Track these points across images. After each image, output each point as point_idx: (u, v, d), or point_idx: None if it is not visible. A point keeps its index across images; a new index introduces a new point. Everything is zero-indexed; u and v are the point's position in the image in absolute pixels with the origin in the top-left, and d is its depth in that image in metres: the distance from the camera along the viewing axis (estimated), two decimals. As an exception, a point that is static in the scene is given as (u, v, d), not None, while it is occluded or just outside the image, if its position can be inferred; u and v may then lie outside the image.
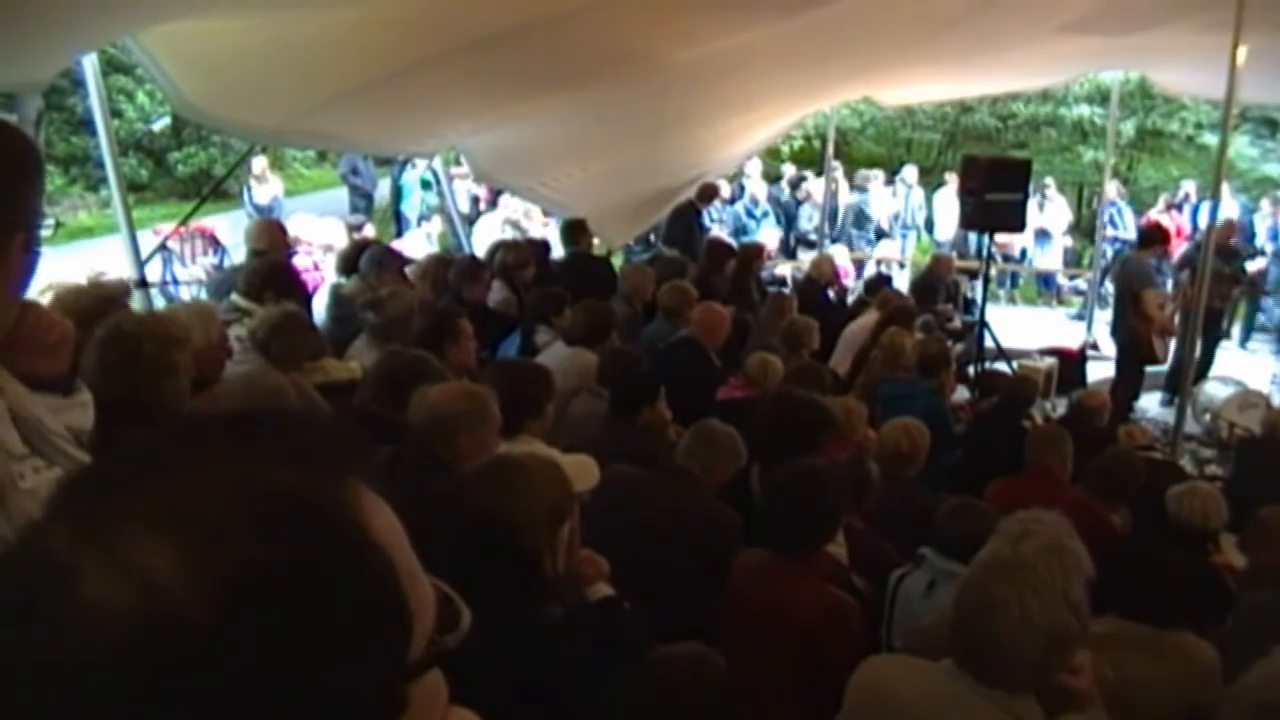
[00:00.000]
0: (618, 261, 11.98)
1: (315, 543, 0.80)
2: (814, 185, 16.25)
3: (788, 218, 16.25)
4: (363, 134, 9.48)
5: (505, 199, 14.55)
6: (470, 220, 14.52)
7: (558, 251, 10.22)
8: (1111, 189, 16.84)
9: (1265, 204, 16.61)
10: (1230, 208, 16.06)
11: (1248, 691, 1.82)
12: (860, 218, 17.04)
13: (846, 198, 17.19)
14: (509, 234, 13.07)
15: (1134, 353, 10.58)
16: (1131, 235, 16.44)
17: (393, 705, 0.84)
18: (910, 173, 17.60)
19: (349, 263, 7.84)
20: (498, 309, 8.05)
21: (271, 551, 0.77)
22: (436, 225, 14.64)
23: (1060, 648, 2.40)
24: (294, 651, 0.76)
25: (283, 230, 7.93)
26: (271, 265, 6.61)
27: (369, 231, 13.75)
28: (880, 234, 17.07)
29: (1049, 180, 17.39)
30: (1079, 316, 15.84)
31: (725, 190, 14.92)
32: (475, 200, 16.06)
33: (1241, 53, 7.56)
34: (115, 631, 0.73)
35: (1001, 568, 2.41)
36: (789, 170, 17.62)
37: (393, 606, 0.84)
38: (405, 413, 4.16)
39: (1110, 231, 16.52)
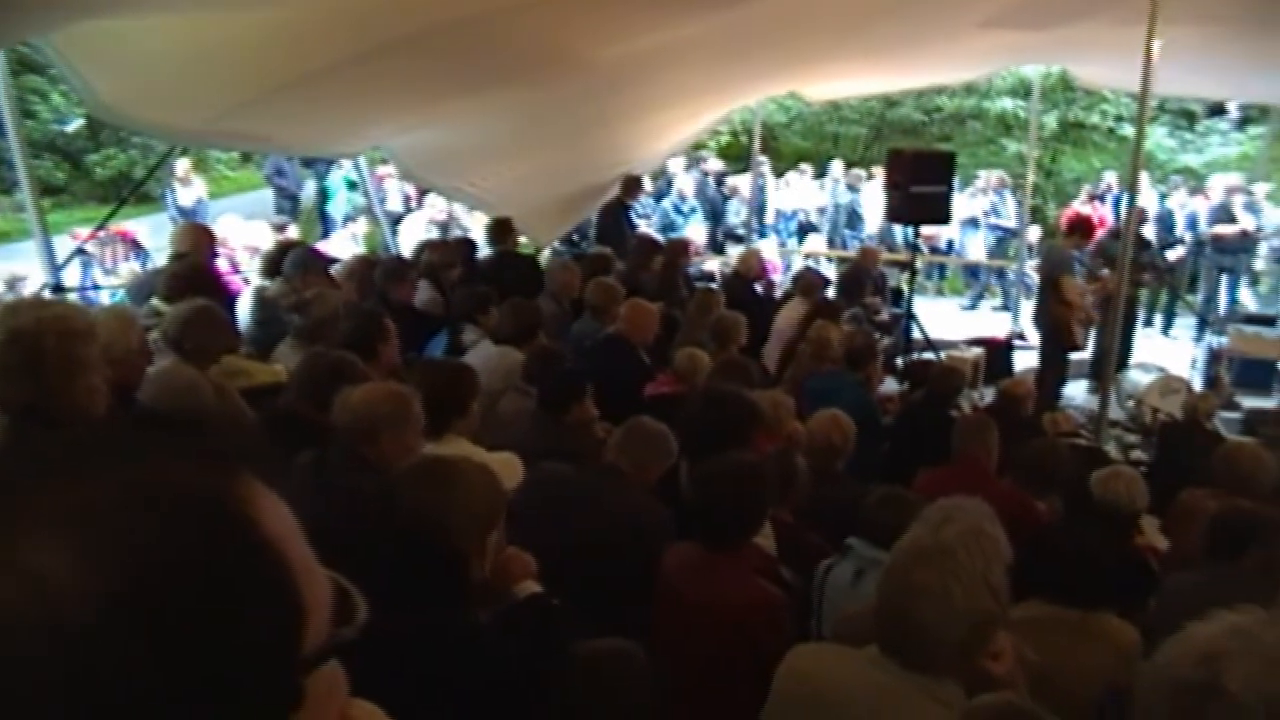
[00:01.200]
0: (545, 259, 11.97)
1: (208, 540, 0.81)
2: (741, 180, 16.28)
3: (715, 213, 16.28)
4: (286, 134, 9.39)
5: (431, 198, 14.48)
6: (397, 220, 14.44)
7: (490, 252, 10.17)
8: (993, 177, 17.04)
9: (1181, 193, 16.87)
10: (1149, 198, 16.35)
11: (1161, 669, 1.84)
12: (853, 218, 17.18)
13: (774, 193, 17.33)
14: (435, 234, 12.99)
15: (1056, 340, 10.73)
16: (1013, 223, 16.73)
17: (288, 697, 0.85)
18: (837, 167, 17.69)
19: (273, 265, 7.75)
20: (424, 309, 8.00)
21: (165, 550, 0.78)
22: (362, 226, 14.55)
23: (981, 631, 2.44)
24: (188, 648, 0.77)
25: (209, 234, 7.84)
26: (192, 268, 6.53)
27: (292, 233, 13.61)
28: (808, 228, 17.24)
29: (980, 174, 17.52)
30: (1004, 307, 16.05)
31: (649, 185, 14.92)
32: (407, 199, 15.94)
33: (1155, 46, 7.68)
34: (7, 632, 0.73)
35: (923, 553, 2.44)
36: (711, 160, 17.63)
37: (286, 600, 0.85)
38: (330, 414, 4.12)
39: (993, 220, 16.74)
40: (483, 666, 2.70)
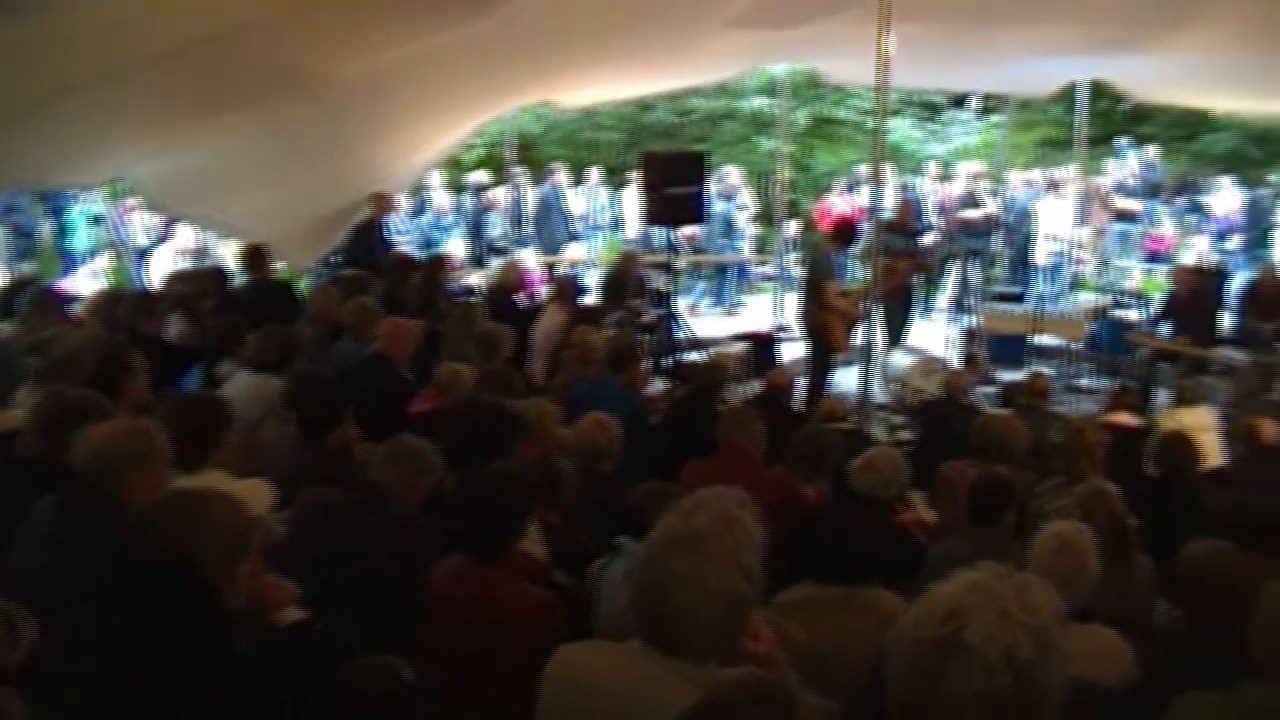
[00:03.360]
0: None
1: None
2: (499, 192, 16.21)
3: (475, 227, 16.16)
4: (13, 166, 8.95)
5: (182, 228, 13.98)
6: (146, 252, 13.91)
7: (244, 280, 9.91)
8: (733, 174, 17.37)
9: (926, 181, 17.56)
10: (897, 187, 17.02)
11: (907, 630, 1.93)
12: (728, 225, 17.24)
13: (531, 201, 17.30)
14: (187, 264, 12.57)
15: (820, 341, 11.02)
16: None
17: None
18: (595, 173, 17.74)
19: (4, 306, 7.39)
20: (177, 342, 7.74)
21: None
22: (105, 261, 13.98)
23: (737, 613, 2.49)
24: None
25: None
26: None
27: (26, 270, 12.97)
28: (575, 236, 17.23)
29: (727, 169, 17.73)
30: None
31: (405, 203, 14.72)
32: (156, 230, 15.27)
33: (890, 42, 7.96)
34: None
35: (674, 541, 2.48)
36: (474, 178, 17.46)
37: None
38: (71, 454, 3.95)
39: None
40: (238, 697, 2.64)
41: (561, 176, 17.09)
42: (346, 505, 4.49)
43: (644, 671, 2.50)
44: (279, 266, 10.74)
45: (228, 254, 13.49)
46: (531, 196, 16.77)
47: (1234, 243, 17.26)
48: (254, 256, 9.73)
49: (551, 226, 16.60)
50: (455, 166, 18.02)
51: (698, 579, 2.41)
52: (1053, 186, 17.01)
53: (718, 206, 16.73)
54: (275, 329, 6.93)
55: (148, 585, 2.74)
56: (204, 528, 2.79)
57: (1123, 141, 19.53)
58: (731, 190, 17.17)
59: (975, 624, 1.87)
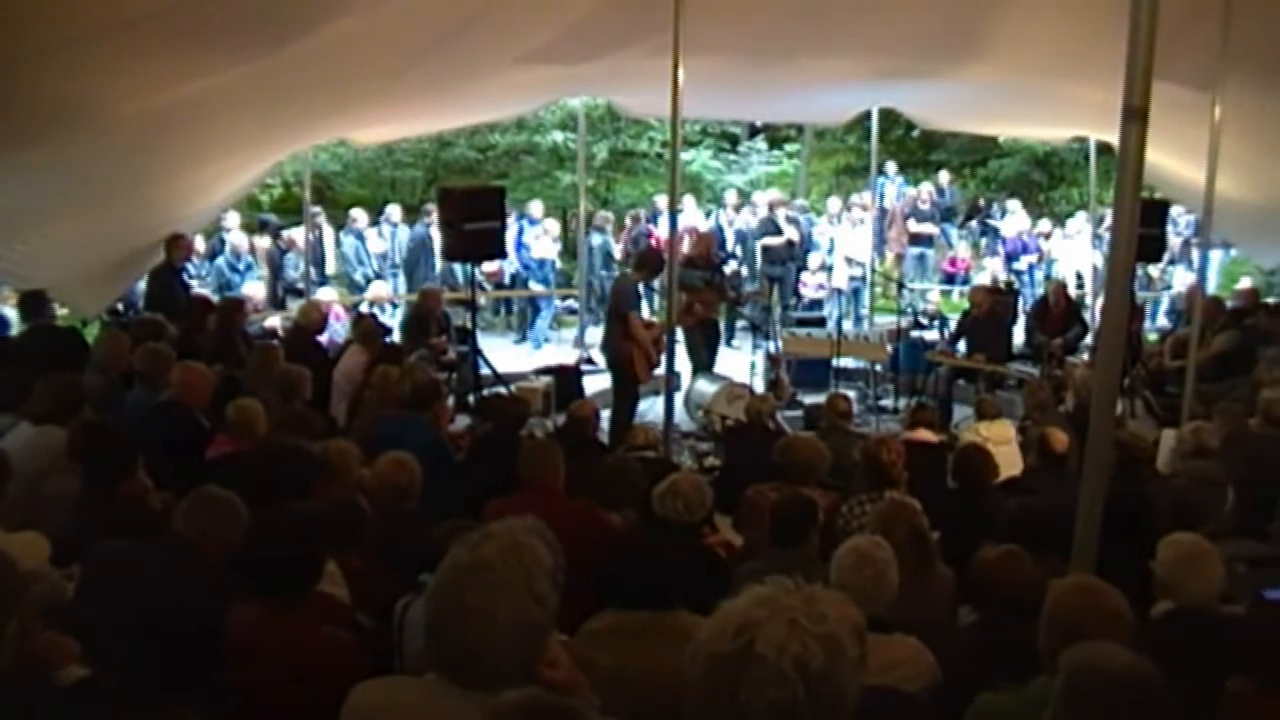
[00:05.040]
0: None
1: None
2: (297, 233, 15.88)
3: (274, 268, 15.81)
4: None
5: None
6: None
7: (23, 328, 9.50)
8: (536, 208, 17.36)
9: (728, 210, 17.82)
10: (696, 217, 17.26)
11: (702, 646, 1.97)
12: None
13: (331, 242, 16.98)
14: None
15: (623, 371, 11.07)
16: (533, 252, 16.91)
17: None
18: (394, 211, 17.48)
19: None
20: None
21: None
22: None
23: (532, 641, 2.48)
24: None
25: None
26: None
27: None
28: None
29: (533, 204, 17.66)
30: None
31: (202, 245, 14.33)
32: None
33: (681, 74, 8.09)
34: None
35: (463, 572, 2.47)
36: (273, 219, 17.11)
37: None
38: None
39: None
40: None
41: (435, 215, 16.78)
42: (138, 556, 4.36)
43: (440, 704, 2.48)
44: (61, 313, 10.35)
45: (4, 303, 12.92)
46: (404, 236, 16.47)
47: (1023, 264, 17.99)
48: (33, 302, 9.37)
49: (427, 267, 16.20)
50: (252, 206, 17.67)
51: (489, 609, 2.40)
52: (849, 212, 17.51)
53: (595, 239, 16.65)
54: (57, 378, 6.66)
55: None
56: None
57: (890, 169, 20.20)
58: (604, 223, 17.08)
59: (765, 635, 1.91)
